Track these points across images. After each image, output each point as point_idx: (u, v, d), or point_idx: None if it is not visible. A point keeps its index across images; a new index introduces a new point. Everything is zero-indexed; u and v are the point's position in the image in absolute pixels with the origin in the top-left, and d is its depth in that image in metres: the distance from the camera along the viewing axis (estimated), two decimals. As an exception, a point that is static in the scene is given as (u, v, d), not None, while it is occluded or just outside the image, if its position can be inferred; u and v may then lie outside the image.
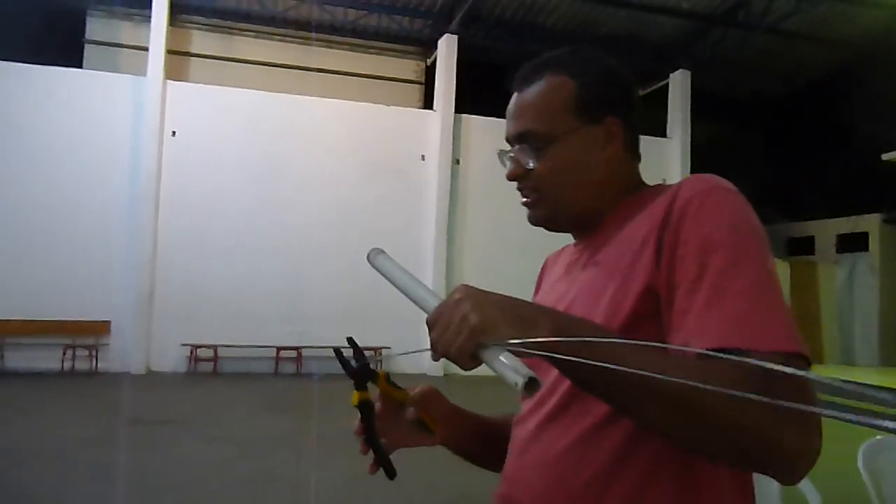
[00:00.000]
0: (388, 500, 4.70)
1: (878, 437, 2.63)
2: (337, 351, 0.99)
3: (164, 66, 11.72)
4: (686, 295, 0.77)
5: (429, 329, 0.75)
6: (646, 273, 0.82)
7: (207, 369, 11.32)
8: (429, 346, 0.76)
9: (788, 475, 0.70)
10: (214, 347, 11.33)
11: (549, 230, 1.04)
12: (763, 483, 2.12)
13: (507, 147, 1.02)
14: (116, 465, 5.47)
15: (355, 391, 0.97)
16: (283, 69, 13.08)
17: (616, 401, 0.75)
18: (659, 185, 0.97)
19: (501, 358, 0.70)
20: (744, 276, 0.75)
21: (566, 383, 0.89)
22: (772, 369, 0.59)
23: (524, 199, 1.00)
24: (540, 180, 0.97)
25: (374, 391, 1.01)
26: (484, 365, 0.72)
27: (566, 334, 0.71)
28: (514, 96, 1.01)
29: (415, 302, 0.82)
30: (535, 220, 1.02)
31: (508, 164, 1.01)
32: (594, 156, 0.96)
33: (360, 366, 0.97)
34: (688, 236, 0.79)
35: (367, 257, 0.92)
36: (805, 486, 2.14)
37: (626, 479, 0.83)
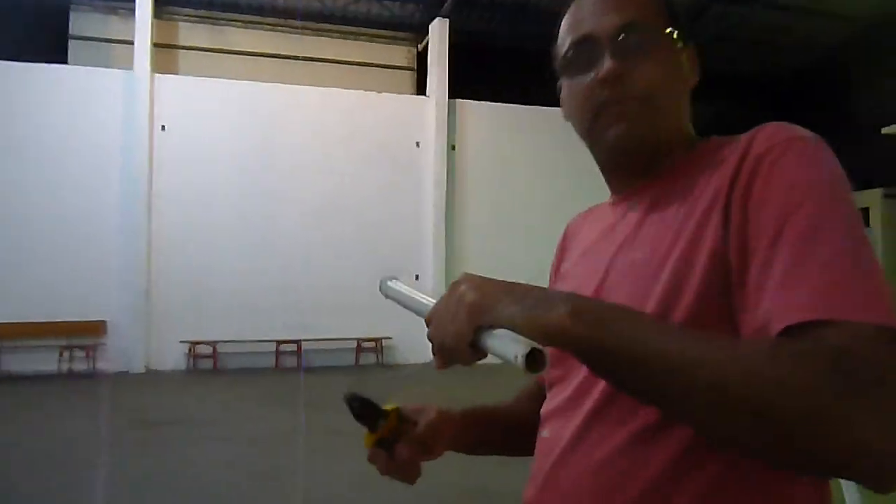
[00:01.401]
0: (399, 494, 4.58)
1: None
2: (348, 399, 0.89)
3: (151, 59, 11.52)
4: (761, 263, 0.64)
5: (427, 326, 0.70)
6: (714, 238, 0.69)
7: (207, 366, 11.21)
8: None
9: (877, 480, 0.53)
10: (213, 344, 11.21)
11: (627, 158, 0.83)
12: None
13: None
14: (119, 466, 5.38)
15: (367, 433, 0.90)
16: (272, 59, 12.88)
17: (646, 393, 0.63)
18: (721, 137, 0.81)
19: (496, 332, 0.64)
20: (830, 240, 0.62)
21: None
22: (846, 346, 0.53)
23: (617, 110, 0.79)
24: (646, 85, 0.79)
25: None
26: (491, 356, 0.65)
27: (587, 317, 0.62)
28: None
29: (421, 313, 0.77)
30: (624, 141, 0.81)
31: (608, 60, 0.79)
32: (684, 81, 0.84)
33: (365, 409, 0.89)
34: (763, 195, 0.67)
35: (380, 289, 0.88)
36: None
37: (691, 484, 0.69)
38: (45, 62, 11.16)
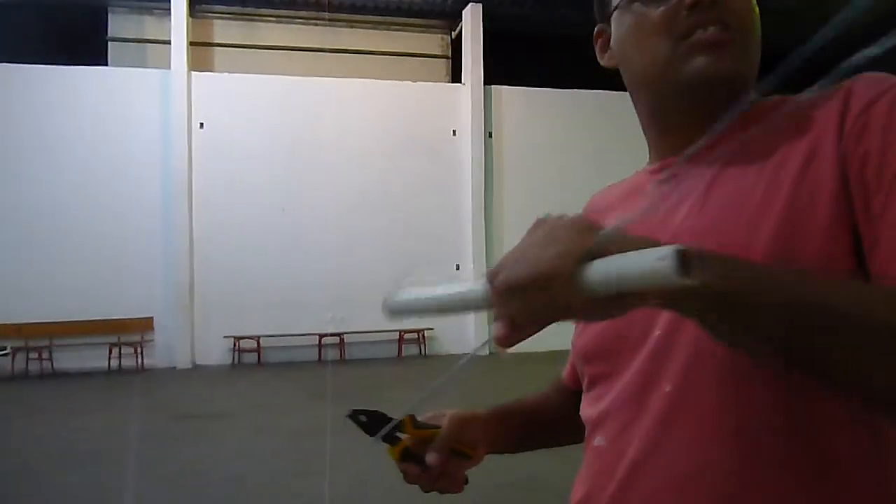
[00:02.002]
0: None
1: None
2: (352, 415, 0.84)
3: (188, 57, 11.62)
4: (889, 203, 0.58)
5: (491, 285, 0.51)
6: (832, 178, 0.61)
7: (252, 360, 11.31)
8: (493, 329, 0.51)
9: None
10: (257, 338, 11.31)
11: (714, 96, 0.71)
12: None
13: None
14: (167, 461, 5.43)
15: (389, 448, 0.86)
16: (306, 52, 12.87)
17: (801, 347, 0.52)
18: (784, 97, 0.72)
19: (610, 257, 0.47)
20: None
21: (680, 360, 0.65)
22: None
23: (709, 35, 0.69)
24: (739, 15, 0.70)
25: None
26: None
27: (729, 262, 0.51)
28: None
29: (459, 306, 0.58)
30: (718, 71, 0.69)
31: None
32: (759, 24, 0.74)
33: (374, 421, 0.83)
34: (888, 124, 0.60)
35: (387, 310, 0.67)
36: None
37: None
38: (86, 64, 11.34)
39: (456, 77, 13.28)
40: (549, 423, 0.97)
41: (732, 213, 0.66)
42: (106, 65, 11.93)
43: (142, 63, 11.98)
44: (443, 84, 13.21)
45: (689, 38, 0.69)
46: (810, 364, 0.54)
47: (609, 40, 0.80)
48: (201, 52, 12.35)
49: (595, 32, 0.83)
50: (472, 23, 12.72)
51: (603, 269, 0.47)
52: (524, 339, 0.51)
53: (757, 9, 0.73)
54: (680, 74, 0.71)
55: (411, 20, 13.47)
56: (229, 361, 11.38)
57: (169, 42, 11.64)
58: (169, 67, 11.56)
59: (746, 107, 0.72)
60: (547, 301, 0.48)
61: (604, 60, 0.82)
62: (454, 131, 12.65)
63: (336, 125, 12.13)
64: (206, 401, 8.48)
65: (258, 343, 11.31)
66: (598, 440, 0.73)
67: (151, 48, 12.23)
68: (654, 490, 0.65)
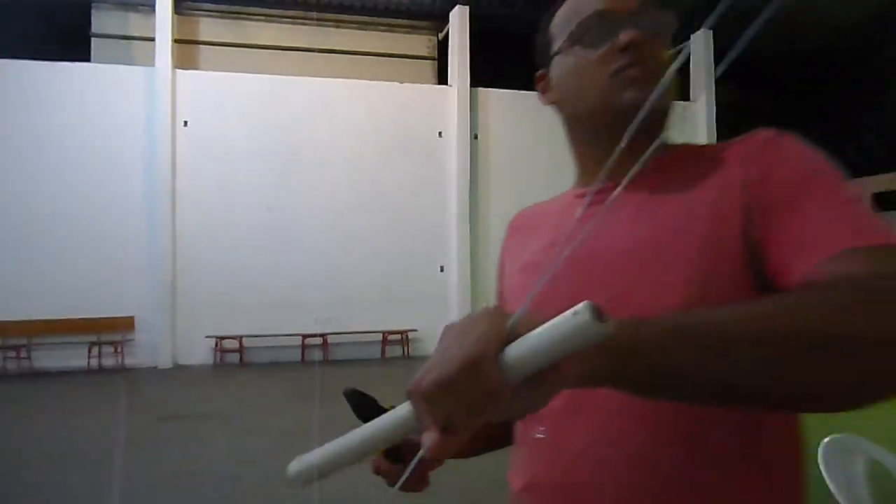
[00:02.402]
0: (434, 488, 4.52)
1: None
2: (347, 394, 0.85)
3: (173, 55, 11.54)
4: (790, 213, 0.71)
5: (411, 399, 0.51)
6: (740, 216, 0.74)
7: (234, 360, 11.25)
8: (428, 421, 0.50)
9: None
10: (240, 338, 11.25)
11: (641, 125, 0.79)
12: (845, 459, 1.88)
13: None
14: (145, 460, 5.39)
15: None
16: (293, 52, 12.83)
17: (731, 383, 0.57)
18: (687, 144, 0.88)
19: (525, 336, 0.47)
20: (842, 189, 0.71)
21: None
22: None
23: (637, 72, 0.82)
24: (654, 59, 0.83)
25: None
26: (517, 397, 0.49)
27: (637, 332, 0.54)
28: None
29: (385, 437, 0.58)
30: (644, 99, 0.75)
31: (628, 31, 0.82)
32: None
33: (366, 405, 0.84)
34: (776, 163, 0.75)
35: (295, 481, 0.68)
36: (888, 458, 1.91)
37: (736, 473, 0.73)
38: (69, 60, 11.22)
39: (442, 78, 13.30)
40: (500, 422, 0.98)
41: (660, 236, 0.77)
42: (89, 61, 11.81)
43: (126, 60, 11.87)
44: (429, 85, 13.22)
45: (620, 75, 0.82)
46: (736, 392, 0.58)
47: (549, 82, 0.94)
48: (187, 49, 12.26)
49: (537, 76, 0.95)
50: (458, 24, 12.76)
51: (524, 344, 0.47)
52: (459, 442, 0.49)
53: (669, 55, 0.87)
54: (615, 104, 0.83)
55: (399, 21, 13.48)
56: (211, 361, 11.30)
57: (153, 39, 11.55)
58: (153, 65, 11.46)
59: (660, 150, 0.82)
60: (477, 390, 0.47)
61: (544, 99, 0.96)
62: (440, 133, 12.67)
63: (322, 125, 12.10)
64: (192, 401, 8.41)
65: (241, 343, 11.25)
66: (539, 432, 0.79)
67: (136, 45, 12.13)
68: (599, 475, 0.73)
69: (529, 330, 0.47)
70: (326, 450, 0.64)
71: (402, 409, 0.55)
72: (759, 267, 0.72)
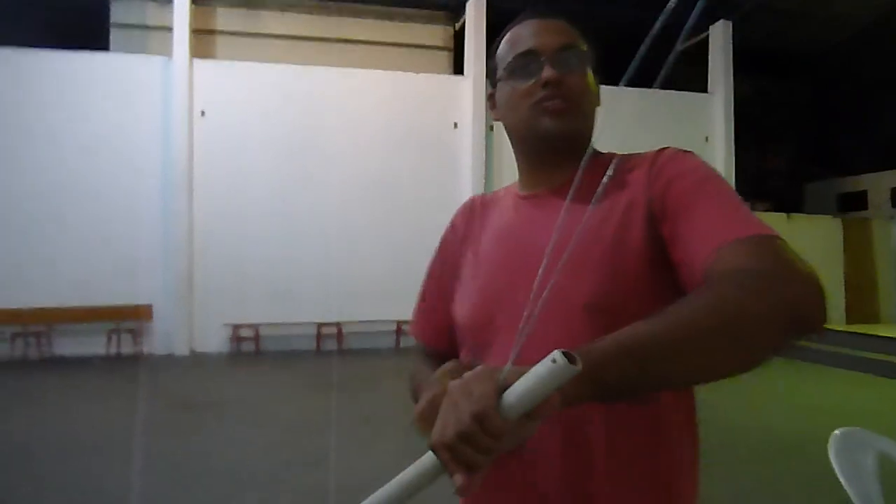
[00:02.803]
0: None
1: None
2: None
3: (190, 45, 11.60)
4: (689, 212, 0.89)
5: (437, 452, 0.69)
6: (643, 217, 0.94)
7: (250, 349, 11.35)
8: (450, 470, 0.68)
9: (816, 318, 0.76)
10: (256, 327, 11.34)
11: (557, 146, 1.03)
12: (857, 453, 1.89)
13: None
14: (159, 448, 5.47)
15: None
16: (309, 42, 12.85)
17: (667, 381, 0.79)
18: (611, 154, 1.05)
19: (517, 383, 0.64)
20: (729, 193, 0.91)
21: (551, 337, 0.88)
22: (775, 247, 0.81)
23: (554, 105, 0.99)
24: (576, 92, 1.02)
25: None
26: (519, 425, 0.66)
27: (602, 359, 0.70)
28: (544, 20, 1.06)
29: (416, 485, 0.71)
30: (559, 129, 1.01)
31: (549, 69, 1.01)
32: (596, 98, 1.07)
33: None
34: (675, 175, 0.94)
35: None
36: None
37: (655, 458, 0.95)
38: (87, 50, 11.31)
39: (458, 69, 13.27)
40: None
41: (584, 236, 0.88)
42: (107, 50, 11.90)
43: (144, 49, 11.95)
44: (445, 76, 13.20)
45: (540, 106, 1.01)
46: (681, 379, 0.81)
47: (495, 101, 1.12)
48: (204, 39, 12.32)
49: (487, 94, 1.15)
50: (475, 15, 12.71)
51: (516, 392, 0.62)
52: (481, 479, 0.66)
53: (594, 86, 1.05)
54: (534, 130, 1.03)
55: (415, 11, 13.45)
56: (227, 349, 11.42)
57: (171, 29, 11.61)
58: (171, 55, 11.53)
59: (589, 159, 0.94)
60: (486, 435, 0.63)
61: (493, 115, 1.13)
62: (455, 124, 12.65)
63: (338, 115, 12.13)
64: (208, 389, 8.52)
65: (256, 332, 11.35)
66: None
67: (153, 35, 12.19)
68: (544, 444, 0.91)
69: (517, 378, 0.63)
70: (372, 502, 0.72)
71: (426, 461, 0.68)
72: (663, 259, 0.91)
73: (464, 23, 13.06)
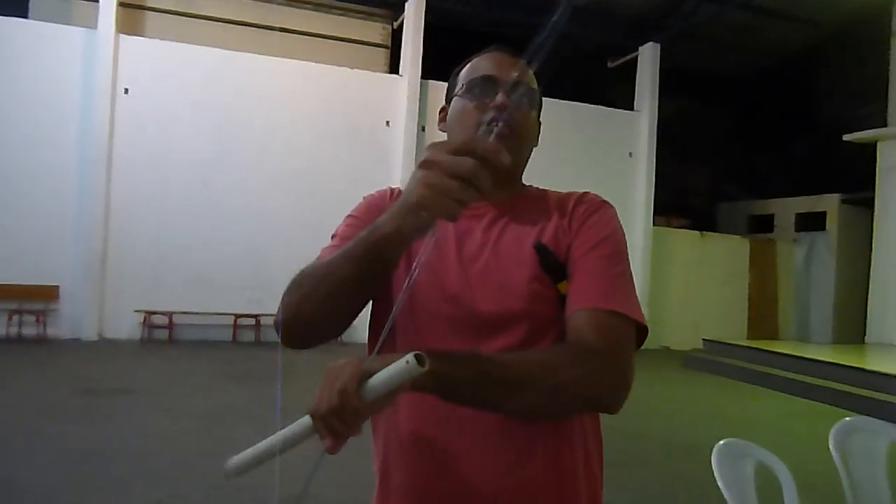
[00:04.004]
0: (349, 473, 4.57)
1: (848, 418, 2.61)
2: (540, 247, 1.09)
3: (116, 18, 11.16)
4: (582, 264, 1.06)
5: (313, 419, 0.83)
6: (556, 250, 1.09)
7: (163, 336, 11.02)
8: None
9: (613, 407, 0.97)
10: (170, 314, 11.03)
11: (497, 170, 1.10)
12: (737, 462, 2.06)
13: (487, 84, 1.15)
14: (63, 434, 5.28)
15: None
16: (243, 27, 12.60)
17: (487, 402, 0.95)
18: (537, 187, 1.22)
19: (376, 375, 0.79)
20: (619, 265, 1.07)
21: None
22: (585, 347, 0.97)
23: (499, 128, 1.03)
24: (520, 123, 1.13)
25: None
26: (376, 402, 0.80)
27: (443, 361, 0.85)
28: (508, 56, 1.17)
29: (292, 442, 0.88)
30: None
31: (501, 95, 1.10)
32: (535, 138, 1.21)
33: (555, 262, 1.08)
34: (587, 233, 1.09)
35: (226, 473, 0.97)
36: (776, 464, 2.09)
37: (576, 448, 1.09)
38: (4, 14, 10.72)
39: (393, 68, 13.29)
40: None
41: (510, 258, 1.08)
42: (26, 17, 11.32)
43: (66, 20, 11.42)
44: (380, 74, 13.19)
45: (487, 125, 1.04)
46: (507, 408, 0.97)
47: (446, 116, 1.22)
48: (132, 14, 11.90)
49: (440, 109, 1.25)
50: (414, 15, 12.76)
51: (376, 381, 0.78)
52: (344, 443, 0.82)
53: (536, 127, 1.19)
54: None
55: (354, 6, 13.40)
56: (138, 336, 11.05)
57: (97, 0, 11.15)
58: (95, 27, 11.07)
59: (521, 188, 1.20)
60: (349, 410, 0.79)
61: (440, 127, 1.23)
62: (388, 122, 12.66)
63: (267, 104, 11.93)
64: (115, 376, 8.24)
65: (171, 319, 11.03)
66: (419, 448, 1.07)
67: (77, 4, 11.69)
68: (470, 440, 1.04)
69: (380, 367, 0.79)
70: (254, 450, 0.93)
71: (304, 423, 0.84)
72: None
73: (402, 22, 13.09)
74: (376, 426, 1.15)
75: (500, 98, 1.09)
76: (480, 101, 1.12)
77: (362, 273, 0.95)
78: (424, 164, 0.81)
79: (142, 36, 11.71)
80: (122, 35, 11.26)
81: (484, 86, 1.13)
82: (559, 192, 1.20)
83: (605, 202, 1.15)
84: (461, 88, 1.17)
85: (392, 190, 1.26)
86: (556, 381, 0.92)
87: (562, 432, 1.06)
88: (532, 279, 1.05)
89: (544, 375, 0.92)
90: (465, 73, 1.19)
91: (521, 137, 1.13)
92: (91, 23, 11.12)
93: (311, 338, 1.08)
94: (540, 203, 1.17)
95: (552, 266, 1.06)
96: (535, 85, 1.17)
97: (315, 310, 1.01)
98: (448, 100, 1.22)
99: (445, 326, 1.05)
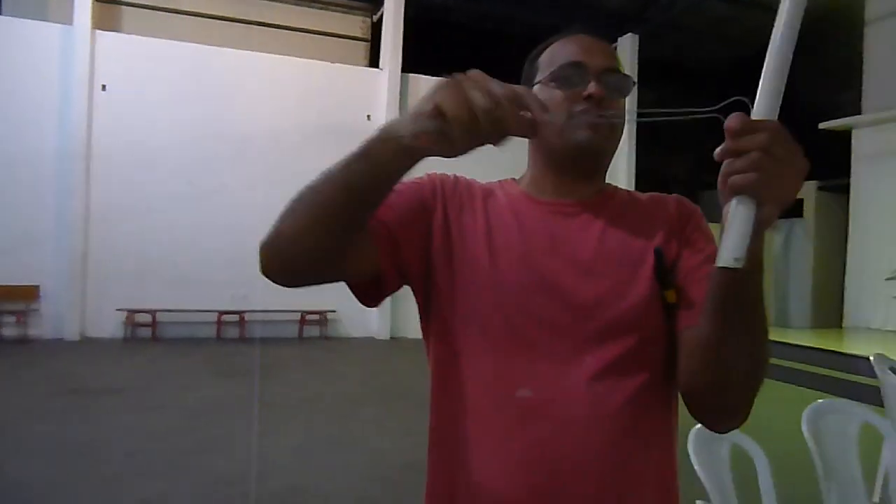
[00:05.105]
0: (336, 466, 4.62)
1: (821, 400, 2.69)
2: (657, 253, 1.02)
3: (93, 14, 11.04)
4: (698, 274, 0.99)
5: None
6: (672, 254, 1.03)
7: (146, 335, 10.97)
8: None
9: (737, 416, 0.98)
10: (153, 312, 10.98)
11: (587, 160, 1.06)
12: (713, 445, 2.13)
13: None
14: (55, 436, 5.28)
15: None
16: (222, 22, 12.51)
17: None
18: (617, 186, 1.14)
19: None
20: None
21: (621, 335, 0.98)
22: None
23: (598, 119, 1.00)
24: (617, 114, 1.04)
25: None
26: None
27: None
28: (595, 40, 1.08)
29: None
30: (594, 142, 1.03)
31: (594, 85, 1.01)
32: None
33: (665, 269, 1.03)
34: (697, 242, 1.04)
35: None
36: (751, 446, 2.16)
37: (659, 433, 1.02)
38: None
39: (374, 61, 13.26)
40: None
41: (623, 262, 1.01)
42: (0, 13, 11.16)
43: (41, 16, 11.28)
44: (360, 67, 13.16)
45: (577, 119, 1.00)
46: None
47: None
48: (108, 9, 11.77)
49: None
50: (394, 8, 12.73)
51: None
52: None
53: (624, 112, 1.09)
54: (568, 141, 1.03)
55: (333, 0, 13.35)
56: (122, 335, 10.99)
57: (72, -5, 11.02)
58: (71, 23, 10.95)
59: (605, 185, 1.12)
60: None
61: None
62: (368, 116, 12.65)
63: (247, 100, 11.88)
64: (99, 375, 8.20)
65: (154, 317, 10.98)
66: (523, 392, 0.97)
67: (53, 0, 11.54)
68: (591, 431, 0.96)
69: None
70: None
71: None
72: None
73: (382, 15, 13.06)
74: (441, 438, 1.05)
75: (594, 87, 1.00)
76: (571, 90, 1.02)
77: (352, 189, 0.89)
78: (457, 78, 0.75)
79: (119, 32, 11.60)
80: (98, 31, 11.15)
81: (572, 74, 1.03)
82: (644, 194, 1.13)
83: (699, 209, 1.11)
84: (545, 76, 1.05)
85: (456, 177, 1.15)
86: (766, 353, 0.90)
87: (664, 442, 1.03)
88: (650, 285, 0.99)
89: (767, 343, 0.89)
90: (547, 59, 1.08)
91: (613, 128, 1.04)
92: (67, 19, 10.99)
93: (288, 265, 0.97)
94: (635, 204, 1.10)
95: (664, 273, 0.99)
96: (625, 71, 1.07)
97: (292, 224, 0.93)
98: (528, 85, 1.10)
99: (547, 328, 0.97)
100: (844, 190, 13.45)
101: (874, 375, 3.96)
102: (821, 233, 14.36)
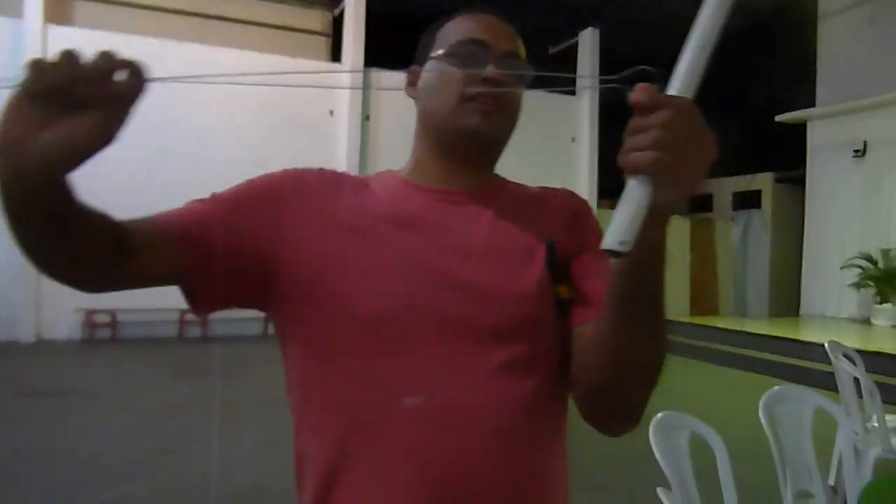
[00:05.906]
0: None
1: (777, 387, 2.76)
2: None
3: (44, 8, 10.73)
4: (586, 270, 0.96)
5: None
6: (564, 247, 0.97)
7: (105, 335, 10.74)
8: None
9: (628, 419, 0.94)
10: (112, 312, 10.75)
11: (477, 147, 1.00)
12: (673, 433, 2.17)
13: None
14: (11, 440, 5.15)
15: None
16: (179, 15, 12.27)
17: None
18: (504, 178, 1.09)
19: None
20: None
21: (528, 330, 0.92)
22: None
23: (486, 104, 0.95)
24: (510, 101, 0.98)
25: None
26: None
27: None
28: (501, 22, 1.01)
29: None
30: (486, 129, 0.96)
31: (493, 67, 0.95)
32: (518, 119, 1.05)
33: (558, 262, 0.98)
34: (589, 236, 0.99)
35: None
36: (708, 432, 2.20)
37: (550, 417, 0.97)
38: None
39: (336, 56, 13.16)
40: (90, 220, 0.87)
41: (514, 255, 0.95)
42: (-55, 7, 10.80)
43: (-11, 9, 10.93)
44: (322, 62, 13.04)
45: (472, 102, 0.95)
46: None
47: (417, 79, 1.04)
48: (60, 2, 11.45)
49: (410, 69, 1.06)
50: (355, 2, 12.63)
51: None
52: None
53: (521, 102, 1.02)
54: (459, 124, 0.96)
55: (293, -7, 13.20)
56: (80, 336, 10.74)
57: (22, -12, 10.70)
58: (22, 17, 10.63)
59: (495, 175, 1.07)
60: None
61: (409, 91, 1.06)
62: (331, 111, 12.55)
63: (206, 96, 11.67)
64: (57, 377, 8.01)
65: (113, 317, 10.76)
66: (412, 400, 0.88)
67: (1, -7, 11.19)
68: (490, 425, 0.89)
69: None
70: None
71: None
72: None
73: (343, 9, 12.95)
74: (318, 426, 0.98)
75: (492, 70, 0.94)
76: (466, 69, 0.95)
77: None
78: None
79: (72, 25, 11.29)
80: (50, 25, 10.84)
81: (472, 52, 0.96)
82: (534, 187, 1.08)
83: (587, 202, 1.08)
84: (441, 50, 0.99)
85: (340, 174, 1.13)
86: (665, 349, 0.84)
87: (556, 437, 0.98)
88: (541, 279, 0.92)
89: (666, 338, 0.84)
90: (446, 33, 1.01)
91: (507, 116, 0.98)
92: (17, 13, 10.66)
93: (49, 273, 0.88)
94: (526, 197, 1.05)
95: (556, 267, 0.94)
96: (526, 58, 1.01)
97: (16, 236, 0.82)
98: (421, 62, 1.03)
99: (433, 326, 0.89)
100: (800, 181, 13.79)
101: (829, 362, 4.08)
102: (778, 224, 14.70)
